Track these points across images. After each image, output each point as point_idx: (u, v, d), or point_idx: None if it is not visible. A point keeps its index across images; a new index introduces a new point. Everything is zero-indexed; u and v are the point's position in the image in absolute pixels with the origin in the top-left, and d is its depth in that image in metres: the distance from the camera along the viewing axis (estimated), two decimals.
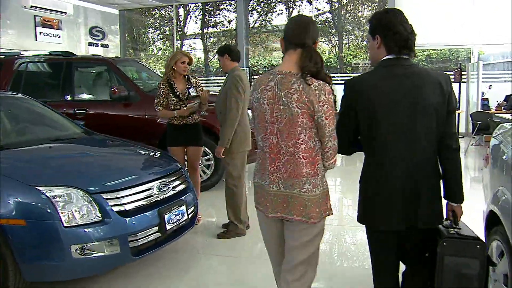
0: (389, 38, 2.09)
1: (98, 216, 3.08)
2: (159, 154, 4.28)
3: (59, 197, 3.00)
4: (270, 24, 20.88)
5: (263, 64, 25.27)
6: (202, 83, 4.85)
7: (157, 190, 3.55)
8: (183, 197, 3.82)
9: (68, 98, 6.59)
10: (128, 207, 3.24)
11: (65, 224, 2.94)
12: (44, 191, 2.98)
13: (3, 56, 7.19)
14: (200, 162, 6.15)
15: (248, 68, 16.09)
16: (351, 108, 2.12)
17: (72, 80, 6.69)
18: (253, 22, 20.32)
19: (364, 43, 17.26)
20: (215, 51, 4.67)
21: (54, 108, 6.01)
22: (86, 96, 6.88)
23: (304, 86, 2.04)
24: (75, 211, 3.02)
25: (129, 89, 6.37)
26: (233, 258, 4.09)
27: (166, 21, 20.93)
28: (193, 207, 3.99)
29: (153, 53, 25.63)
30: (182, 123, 4.68)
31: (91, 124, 5.83)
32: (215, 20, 21.78)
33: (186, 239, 4.24)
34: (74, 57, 7.05)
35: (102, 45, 15.66)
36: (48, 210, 2.93)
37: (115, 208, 3.17)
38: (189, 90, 4.63)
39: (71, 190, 3.07)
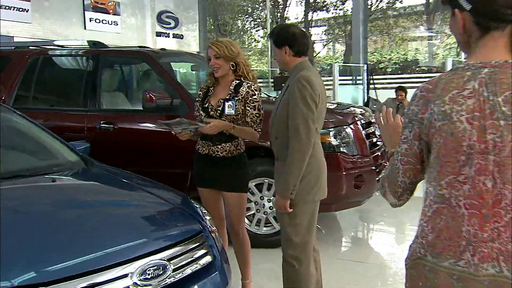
0: None
1: None
2: (177, 203, 3.49)
3: None
4: (401, 3, 19.42)
5: (392, 60, 23.91)
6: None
7: (139, 278, 2.60)
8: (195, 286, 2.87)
9: (92, 106, 6.16)
10: None
11: None
12: None
13: (13, 48, 6.99)
14: (272, 205, 5.55)
15: (366, 66, 14.98)
16: None
17: (98, 82, 6.25)
18: (376, 1, 18.94)
19: None
20: (268, 34, 3.85)
21: (74, 121, 6.09)
22: (115, 105, 6.47)
23: None
24: None
25: (173, 94, 5.75)
26: None
27: (261, 5, 20.46)
28: None
29: (250, 46, 25.36)
30: (205, 153, 4.02)
31: (120, 144, 5.80)
32: (324, 2, 20.82)
33: None
34: (101, 49, 6.59)
35: (175, 36, 15.57)
36: None
37: None
38: (226, 103, 3.89)
39: None
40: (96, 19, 12.37)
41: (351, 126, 5.58)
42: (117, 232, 2.87)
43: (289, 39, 3.47)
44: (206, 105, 3.94)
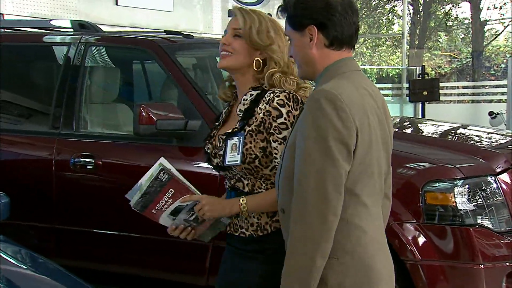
0: None
1: None
2: None
3: None
4: None
5: None
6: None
7: None
8: None
9: (67, 127, 6.12)
10: None
11: None
12: None
13: None
14: None
15: None
16: None
17: (79, 87, 6.19)
18: None
19: None
20: (279, 7, 3.06)
21: (35, 150, 6.31)
22: (111, 126, 6.69)
23: None
24: None
25: (190, 111, 5.57)
26: None
27: None
28: None
29: (381, 30, 24.59)
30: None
31: (101, 193, 5.87)
32: None
33: None
34: (89, 33, 6.55)
35: None
36: None
37: None
38: (228, 142, 3.40)
39: None
40: None
41: (503, 176, 4.95)
42: None
43: (318, 12, 2.80)
44: (211, 141, 3.56)
